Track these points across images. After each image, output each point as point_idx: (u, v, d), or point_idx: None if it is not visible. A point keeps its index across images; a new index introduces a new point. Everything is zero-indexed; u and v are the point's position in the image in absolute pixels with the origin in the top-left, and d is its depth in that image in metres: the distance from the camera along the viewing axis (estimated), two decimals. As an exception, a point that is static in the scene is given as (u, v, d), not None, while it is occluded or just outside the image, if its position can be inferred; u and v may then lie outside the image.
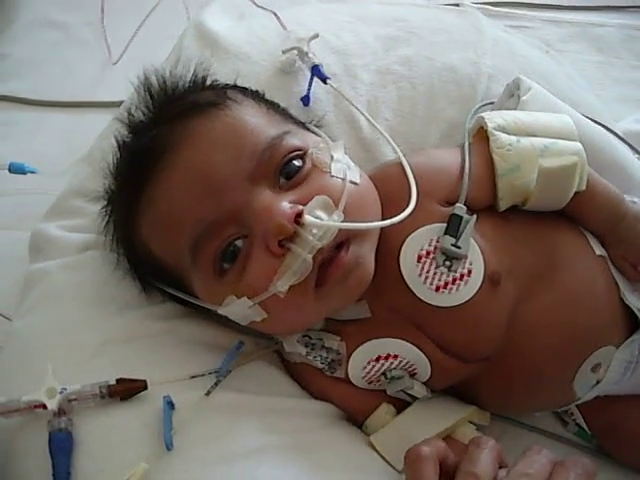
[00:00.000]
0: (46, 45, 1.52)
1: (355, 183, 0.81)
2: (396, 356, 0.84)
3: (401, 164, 0.87)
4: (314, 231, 0.73)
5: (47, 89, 1.43)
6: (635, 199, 0.98)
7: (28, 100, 1.43)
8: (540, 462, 0.68)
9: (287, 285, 0.74)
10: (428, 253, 0.82)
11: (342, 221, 0.76)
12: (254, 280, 0.76)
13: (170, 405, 0.75)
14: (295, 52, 1.01)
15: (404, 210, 0.79)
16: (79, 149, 1.10)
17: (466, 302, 0.82)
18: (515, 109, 0.96)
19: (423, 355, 0.84)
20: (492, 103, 1.03)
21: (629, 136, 1.18)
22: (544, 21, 1.57)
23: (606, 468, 0.96)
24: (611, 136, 1.09)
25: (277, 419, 0.82)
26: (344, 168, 0.81)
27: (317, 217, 0.75)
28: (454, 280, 0.81)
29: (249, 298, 0.77)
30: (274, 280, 0.75)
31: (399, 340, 0.84)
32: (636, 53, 1.54)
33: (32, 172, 1.07)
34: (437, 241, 0.82)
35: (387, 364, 0.84)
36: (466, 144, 0.89)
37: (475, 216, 0.84)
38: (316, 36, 1.02)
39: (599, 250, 0.91)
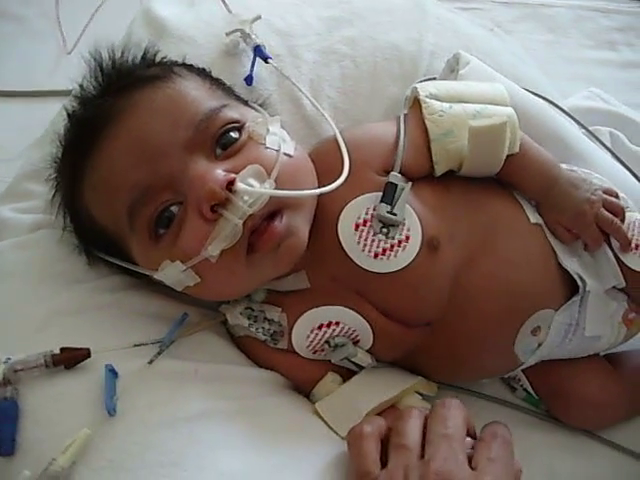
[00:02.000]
0: (1, 36, 1.54)
1: (289, 155, 0.83)
2: (338, 323, 0.85)
3: (337, 139, 0.88)
4: (245, 198, 0.75)
5: (2, 80, 1.44)
6: (574, 168, 1.01)
7: (-17, 91, 1.44)
8: (454, 418, 0.70)
9: (218, 250, 0.76)
10: (365, 221, 0.83)
11: (274, 189, 0.78)
12: (187, 244, 0.78)
13: (113, 373, 0.77)
14: (239, 34, 1.03)
15: (337, 179, 0.81)
16: (35, 138, 1.11)
17: (405, 267, 0.83)
18: (454, 83, 0.97)
19: (364, 321, 0.85)
20: (434, 79, 1.04)
21: (578, 112, 1.20)
22: (495, 3, 1.60)
23: (555, 431, 0.99)
24: (552, 108, 1.11)
25: (222, 386, 0.83)
26: (279, 141, 0.83)
27: (249, 185, 0.76)
28: (392, 246, 0.83)
29: (182, 262, 0.79)
30: (206, 245, 0.77)
31: (340, 307, 0.85)
32: (586, 32, 1.57)
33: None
34: (374, 209, 0.83)
35: (329, 331, 0.86)
36: (402, 114, 0.91)
37: (410, 183, 0.85)
38: (258, 17, 1.04)
39: (534, 218, 0.93)
